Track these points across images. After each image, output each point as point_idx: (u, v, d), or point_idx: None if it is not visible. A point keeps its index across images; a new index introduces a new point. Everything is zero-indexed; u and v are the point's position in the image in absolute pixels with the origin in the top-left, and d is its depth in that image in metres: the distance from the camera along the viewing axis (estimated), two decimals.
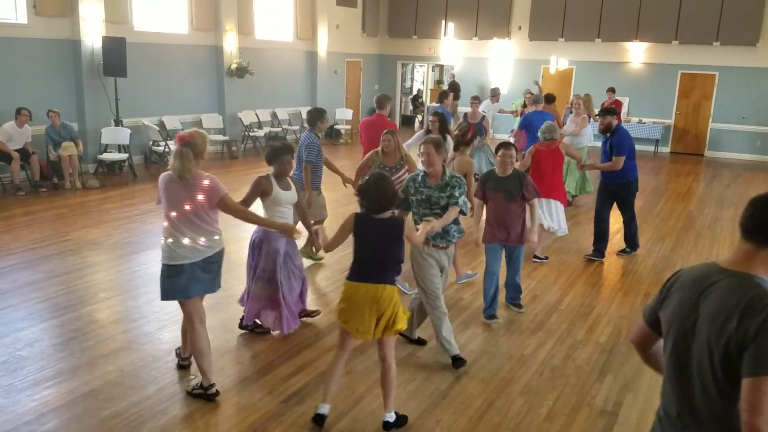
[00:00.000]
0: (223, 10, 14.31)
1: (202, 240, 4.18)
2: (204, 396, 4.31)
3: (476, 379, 4.75)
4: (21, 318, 5.54)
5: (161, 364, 4.82)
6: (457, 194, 4.78)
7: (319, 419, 4.01)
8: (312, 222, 5.90)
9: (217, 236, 4.29)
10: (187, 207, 4.11)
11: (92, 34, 11.45)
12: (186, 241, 4.15)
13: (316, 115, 6.94)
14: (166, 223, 4.20)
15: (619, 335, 5.66)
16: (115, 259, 7.20)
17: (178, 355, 4.79)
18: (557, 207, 7.46)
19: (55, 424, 4.01)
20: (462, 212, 4.85)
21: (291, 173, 5.40)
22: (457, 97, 19.13)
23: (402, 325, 3.98)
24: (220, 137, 14.23)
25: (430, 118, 8.03)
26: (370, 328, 3.88)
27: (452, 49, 19.34)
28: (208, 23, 14.17)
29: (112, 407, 4.21)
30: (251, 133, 15.15)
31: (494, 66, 18.92)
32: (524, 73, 18.49)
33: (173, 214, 4.14)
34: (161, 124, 13.04)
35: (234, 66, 14.60)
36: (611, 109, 7.74)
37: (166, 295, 4.31)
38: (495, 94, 13.29)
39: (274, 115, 16.29)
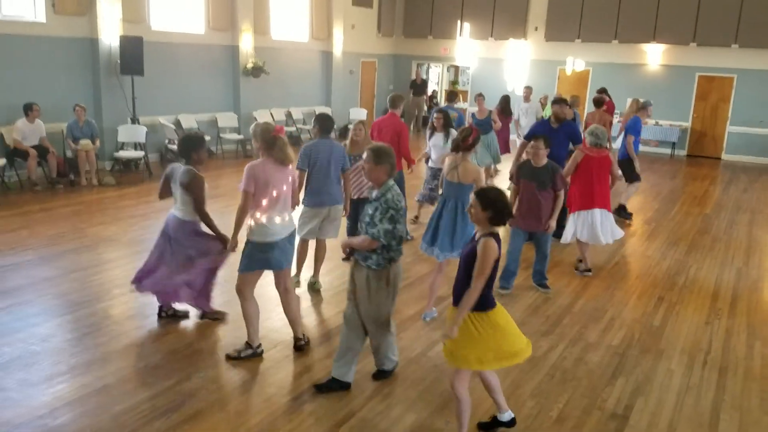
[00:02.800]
0: (240, 10, 14.38)
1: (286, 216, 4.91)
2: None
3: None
4: (36, 313, 5.61)
5: (174, 360, 4.86)
6: (376, 221, 4.10)
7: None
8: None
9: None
10: (284, 188, 4.80)
11: (110, 32, 11.55)
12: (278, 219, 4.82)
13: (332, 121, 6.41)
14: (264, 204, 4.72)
15: (632, 338, 5.62)
16: (131, 256, 7.25)
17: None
18: (605, 216, 7.15)
19: (68, 418, 4.06)
20: (378, 240, 4.11)
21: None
22: (418, 93, 19.24)
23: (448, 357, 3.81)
24: (235, 136, 14.31)
25: (435, 115, 8.58)
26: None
27: (467, 49, 19.30)
28: (225, 23, 14.25)
29: (125, 402, 4.25)
30: None
31: (510, 67, 18.85)
32: (541, 74, 18.40)
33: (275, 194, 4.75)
34: (177, 123, 13.13)
35: (250, 65, 14.66)
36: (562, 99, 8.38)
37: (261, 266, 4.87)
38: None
39: (288, 115, 16.34)
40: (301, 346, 5.08)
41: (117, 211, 9.15)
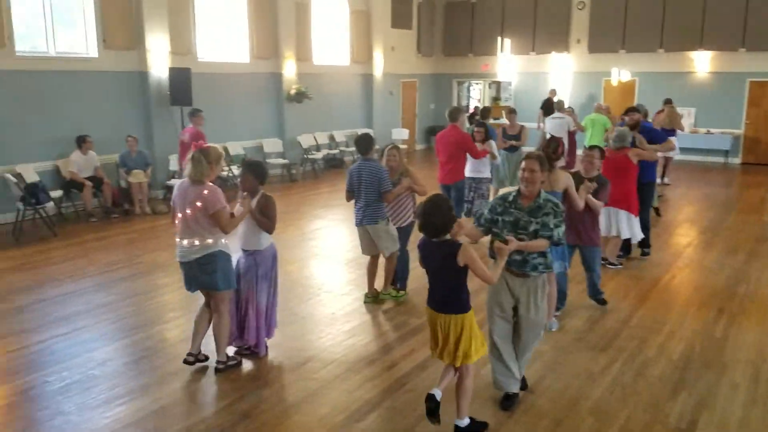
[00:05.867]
0: (283, 38, 14.71)
1: (195, 242, 4.76)
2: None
3: (543, 398, 4.62)
4: (94, 338, 5.75)
5: (227, 381, 4.90)
6: (551, 225, 4.21)
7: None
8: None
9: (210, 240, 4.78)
10: (188, 211, 4.71)
11: (159, 65, 11.93)
12: (185, 242, 4.80)
13: (370, 142, 6.42)
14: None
15: (692, 351, 5.41)
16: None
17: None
18: (628, 217, 7.24)
19: None
20: (557, 243, 4.34)
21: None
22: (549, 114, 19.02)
23: (470, 359, 3.97)
24: (281, 161, 14.52)
25: (476, 129, 9.06)
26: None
27: (509, 64, 19.26)
28: (268, 51, 14.57)
29: (180, 424, 4.30)
30: (310, 156, 15.40)
31: (553, 80, 18.69)
32: (585, 86, 18.22)
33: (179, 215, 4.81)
34: (225, 150, 13.41)
35: (293, 91, 14.93)
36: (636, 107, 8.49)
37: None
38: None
39: (331, 138, 16.53)
40: (220, 370, 5.03)
41: (170, 237, 9.31)
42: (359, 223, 6.35)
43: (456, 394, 4.08)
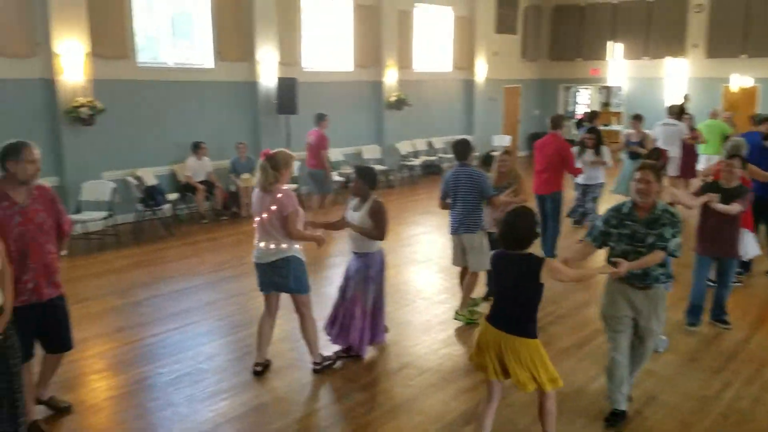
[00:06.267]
0: (385, 46, 14.89)
1: (271, 245, 4.85)
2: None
3: (651, 420, 4.38)
4: (203, 333, 6.04)
5: (333, 383, 4.99)
6: (668, 235, 4.02)
7: None
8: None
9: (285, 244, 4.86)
10: (264, 215, 4.80)
11: (268, 75, 12.40)
12: (262, 244, 4.90)
13: (468, 147, 6.29)
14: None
15: None
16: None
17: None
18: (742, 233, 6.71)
19: None
20: (673, 255, 4.11)
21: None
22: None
23: (558, 382, 3.77)
24: (379, 167, 14.67)
25: (587, 135, 8.78)
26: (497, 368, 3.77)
27: (619, 69, 18.54)
28: (371, 60, 14.80)
29: (279, 421, 4.42)
30: (407, 163, 15.47)
31: (667, 85, 17.82)
32: (702, 92, 17.20)
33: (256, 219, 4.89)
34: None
35: (393, 99, 15.08)
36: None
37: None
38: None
39: (429, 145, 16.53)
40: (317, 370, 5.15)
41: None
42: (455, 232, 6.20)
43: (541, 419, 3.91)
